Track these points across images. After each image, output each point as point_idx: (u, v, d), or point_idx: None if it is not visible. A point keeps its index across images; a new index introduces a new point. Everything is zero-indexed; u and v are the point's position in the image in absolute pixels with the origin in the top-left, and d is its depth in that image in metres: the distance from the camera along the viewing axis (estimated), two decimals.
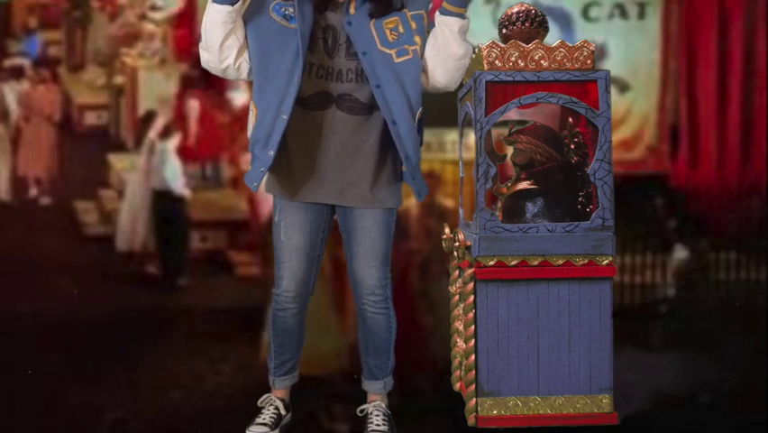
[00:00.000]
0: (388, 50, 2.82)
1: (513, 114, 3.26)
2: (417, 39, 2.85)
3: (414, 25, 2.86)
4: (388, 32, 2.84)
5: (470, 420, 3.10)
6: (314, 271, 2.97)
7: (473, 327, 3.07)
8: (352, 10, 2.84)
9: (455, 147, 5.58)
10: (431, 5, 2.93)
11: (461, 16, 2.82)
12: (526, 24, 3.19)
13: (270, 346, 3.07)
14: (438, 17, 2.84)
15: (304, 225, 2.92)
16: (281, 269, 2.94)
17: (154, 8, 8.40)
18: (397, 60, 2.82)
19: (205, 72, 2.97)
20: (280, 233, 2.94)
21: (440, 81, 2.89)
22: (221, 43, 2.81)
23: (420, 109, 2.87)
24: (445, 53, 2.83)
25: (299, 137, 2.87)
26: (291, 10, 2.81)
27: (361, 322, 3.01)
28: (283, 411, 3.05)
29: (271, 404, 3.06)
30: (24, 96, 8.24)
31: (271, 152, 2.82)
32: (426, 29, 2.88)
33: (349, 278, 2.99)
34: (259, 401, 3.10)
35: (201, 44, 2.86)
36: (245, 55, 2.86)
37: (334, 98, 2.85)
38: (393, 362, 3.07)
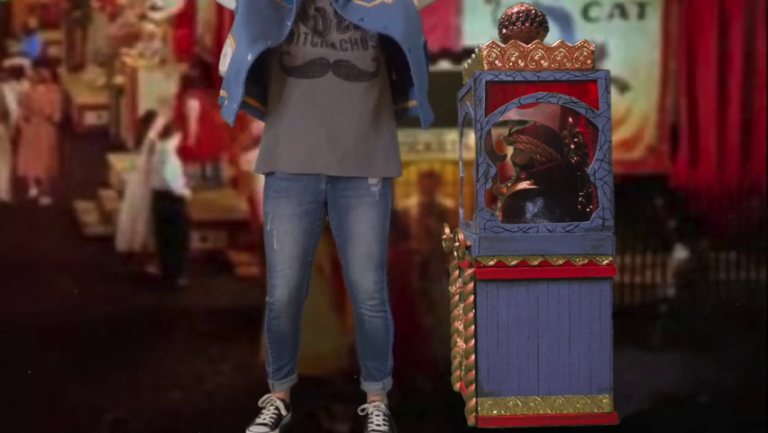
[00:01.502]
0: (378, 1, 2.86)
1: (513, 114, 3.26)
2: None
3: None
4: None
5: (470, 420, 3.10)
6: (307, 276, 2.97)
7: (473, 327, 3.07)
8: None
9: (455, 147, 5.58)
10: None
11: None
12: (526, 24, 3.19)
13: (267, 352, 3.07)
14: None
15: (296, 232, 2.91)
16: (275, 277, 2.93)
17: (154, 8, 8.41)
18: (389, 2, 2.86)
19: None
20: (273, 241, 2.92)
21: None
22: None
23: (423, 37, 2.91)
24: None
25: (297, 106, 2.87)
26: None
27: (359, 326, 3.01)
28: (284, 412, 3.06)
29: (272, 404, 3.06)
30: (24, 96, 8.25)
31: (240, 89, 2.80)
32: None
33: (345, 282, 2.98)
34: (259, 402, 3.10)
35: None
36: None
37: (331, 64, 2.86)
38: (391, 362, 3.07)
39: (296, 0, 2.85)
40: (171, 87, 7.73)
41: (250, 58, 2.78)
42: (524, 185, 3.29)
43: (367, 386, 3.09)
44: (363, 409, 3.08)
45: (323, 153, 2.87)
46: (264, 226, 2.95)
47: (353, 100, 2.87)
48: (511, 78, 3.06)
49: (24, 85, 8.30)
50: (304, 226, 2.92)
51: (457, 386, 3.43)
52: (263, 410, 3.05)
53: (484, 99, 3.05)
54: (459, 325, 3.30)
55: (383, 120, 2.93)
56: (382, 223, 2.93)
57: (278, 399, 3.08)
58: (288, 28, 2.83)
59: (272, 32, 2.82)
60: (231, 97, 2.85)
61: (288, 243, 2.91)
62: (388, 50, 2.91)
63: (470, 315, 3.07)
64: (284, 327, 2.98)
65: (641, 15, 7.04)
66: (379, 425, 2.97)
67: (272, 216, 2.92)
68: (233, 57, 2.84)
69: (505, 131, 3.37)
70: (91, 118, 8.85)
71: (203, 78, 7.63)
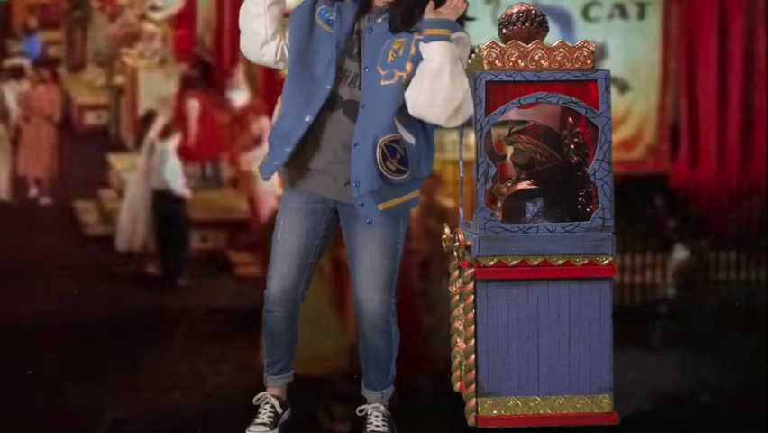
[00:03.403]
0: (381, 71, 2.76)
1: (513, 114, 3.25)
2: (408, 66, 2.74)
3: (413, 51, 2.75)
4: (391, 52, 2.77)
5: (471, 420, 3.10)
6: (304, 277, 2.92)
7: (473, 327, 3.07)
8: (379, 19, 2.78)
9: (455, 147, 5.57)
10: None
11: (445, 38, 2.71)
12: (526, 24, 3.19)
13: (264, 344, 3.07)
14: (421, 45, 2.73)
15: (301, 229, 2.89)
16: (272, 269, 2.92)
17: (154, 8, 8.41)
18: (382, 83, 2.75)
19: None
20: (278, 232, 2.92)
21: (424, 114, 2.73)
22: (263, 41, 2.81)
23: (387, 137, 2.73)
24: (431, 86, 2.69)
25: (314, 133, 2.82)
26: (334, 15, 2.80)
27: (362, 339, 2.96)
28: (279, 409, 3.03)
29: (267, 402, 3.04)
30: (24, 96, 8.25)
31: (288, 150, 2.79)
32: None
33: (353, 298, 2.94)
34: (255, 399, 3.08)
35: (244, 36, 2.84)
36: (283, 46, 2.84)
37: (343, 102, 2.80)
38: (393, 373, 3.03)
39: (338, 30, 2.78)
40: (171, 87, 7.72)
41: (308, 120, 2.75)
42: (524, 185, 3.29)
43: (367, 393, 3.06)
44: (362, 411, 3.06)
45: (328, 179, 2.84)
46: (277, 214, 2.97)
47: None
48: (511, 78, 3.07)
49: (24, 85, 8.30)
50: (308, 225, 2.90)
51: (457, 386, 3.43)
52: (260, 409, 3.03)
53: (484, 99, 3.05)
54: (459, 325, 3.30)
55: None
56: (391, 239, 2.88)
57: (273, 396, 3.05)
58: (333, 69, 2.77)
59: (326, 73, 2.78)
60: (274, 154, 2.82)
61: (291, 237, 2.89)
62: None
63: (470, 315, 3.08)
64: (277, 323, 2.95)
65: (641, 15, 7.04)
66: (378, 426, 2.97)
67: (282, 207, 2.93)
68: (284, 111, 2.81)
69: (505, 131, 3.37)
70: (91, 118, 8.85)
71: (203, 78, 7.63)
